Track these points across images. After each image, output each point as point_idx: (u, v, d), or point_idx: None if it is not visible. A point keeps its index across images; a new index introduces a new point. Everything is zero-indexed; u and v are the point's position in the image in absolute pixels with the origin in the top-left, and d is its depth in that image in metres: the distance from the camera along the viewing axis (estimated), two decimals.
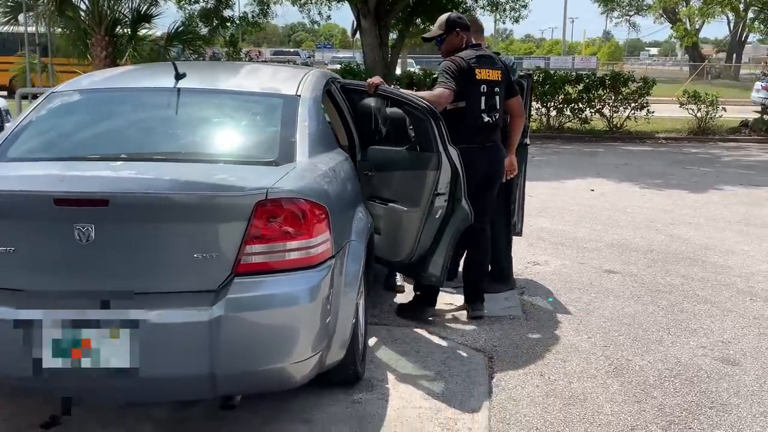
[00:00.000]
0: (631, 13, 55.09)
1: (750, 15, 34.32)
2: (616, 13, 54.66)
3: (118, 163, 2.87)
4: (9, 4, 12.27)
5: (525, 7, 18.93)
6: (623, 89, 14.54)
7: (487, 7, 18.54)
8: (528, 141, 4.78)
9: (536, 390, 3.39)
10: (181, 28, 12.90)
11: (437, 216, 3.80)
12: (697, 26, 37.02)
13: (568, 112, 14.77)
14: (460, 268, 4.56)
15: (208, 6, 18.26)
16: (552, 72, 15.98)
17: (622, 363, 3.71)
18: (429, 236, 3.84)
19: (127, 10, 12.15)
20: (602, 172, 10.28)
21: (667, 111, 15.77)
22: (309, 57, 49.34)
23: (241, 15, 20.04)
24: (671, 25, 40.78)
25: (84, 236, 2.49)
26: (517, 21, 19.46)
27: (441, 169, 3.72)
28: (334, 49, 65.74)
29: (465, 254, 4.46)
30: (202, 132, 3.31)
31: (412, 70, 20.76)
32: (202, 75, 3.85)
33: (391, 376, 3.48)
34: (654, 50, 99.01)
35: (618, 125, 14.91)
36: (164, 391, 2.65)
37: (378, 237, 3.85)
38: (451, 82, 3.97)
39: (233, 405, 2.74)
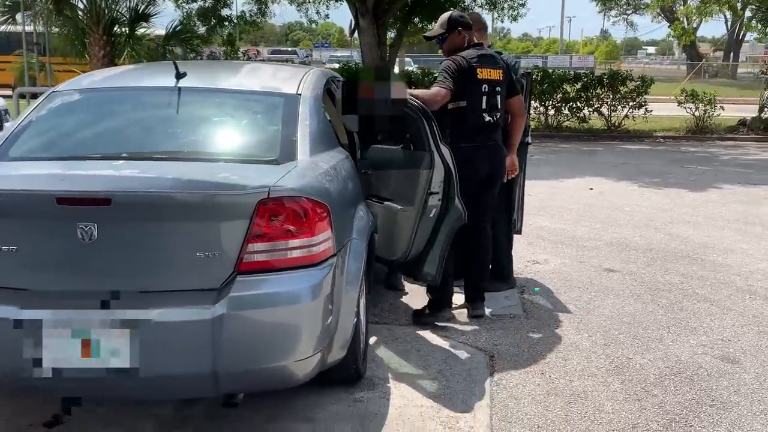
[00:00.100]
0: (629, 12, 55.13)
1: (747, 14, 34.43)
2: (613, 12, 54.78)
3: (120, 162, 2.86)
4: (6, 3, 12.24)
5: (523, 5, 18.84)
6: (621, 88, 14.56)
7: (486, 6, 18.43)
8: (530, 140, 4.79)
9: (537, 388, 3.40)
10: (179, 27, 12.89)
11: (431, 215, 3.80)
12: (694, 25, 37.00)
13: (566, 111, 14.80)
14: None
15: (206, 5, 18.22)
16: (550, 71, 15.99)
17: (623, 361, 3.72)
18: (424, 235, 3.85)
19: (125, 9, 12.16)
20: (601, 171, 10.30)
21: (665, 110, 15.78)
22: (307, 56, 49.17)
23: (239, 14, 20.00)
24: (669, 24, 40.73)
25: (86, 235, 2.49)
26: (515, 19, 19.37)
27: (434, 167, 3.72)
28: (331, 48, 65.62)
29: (465, 253, 4.45)
30: (204, 131, 3.30)
31: (410, 69, 20.74)
32: (203, 74, 3.85)
33: (392, 375, 3.49)
34: (651, 49, 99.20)
35: (616, 124, 14.94)
36: (167, 389, 2.65)
37: (375, 235, 3.86)
38: (449, 82, 3.97)
39: (236, 403, 2.74)
